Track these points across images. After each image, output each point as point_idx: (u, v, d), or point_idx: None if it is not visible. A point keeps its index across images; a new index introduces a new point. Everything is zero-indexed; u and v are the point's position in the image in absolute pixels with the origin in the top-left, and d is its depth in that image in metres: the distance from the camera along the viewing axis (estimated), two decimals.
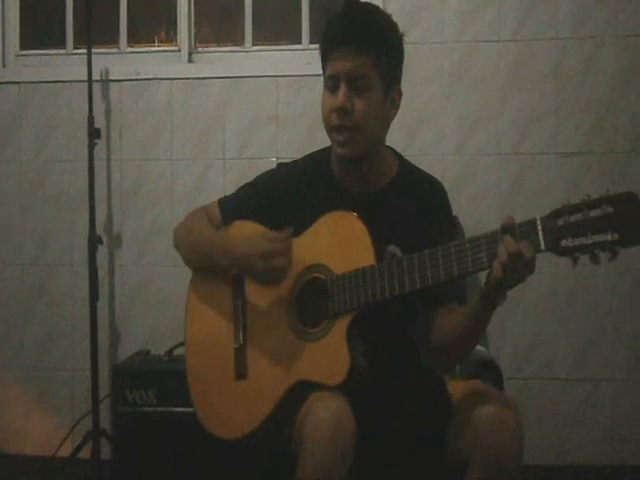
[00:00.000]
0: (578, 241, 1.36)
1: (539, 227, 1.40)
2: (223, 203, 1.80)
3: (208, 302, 1.74)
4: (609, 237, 1.34)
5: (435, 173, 1.81)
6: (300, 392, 1.56)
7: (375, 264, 1.56)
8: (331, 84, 1.64)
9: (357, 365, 1.55)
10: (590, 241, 1.35)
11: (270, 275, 1.62)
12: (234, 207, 1.77)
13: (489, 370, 2.24)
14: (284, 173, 1.78)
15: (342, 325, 1.57)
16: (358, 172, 1.70)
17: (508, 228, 1.43)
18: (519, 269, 1.41)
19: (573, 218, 1.37)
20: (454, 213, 1.81)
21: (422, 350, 1.69)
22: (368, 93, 1.63)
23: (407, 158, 1.78)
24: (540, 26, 2.78)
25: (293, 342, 1.62)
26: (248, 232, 1.68)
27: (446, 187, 1.78)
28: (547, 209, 2.85)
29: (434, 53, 2.78)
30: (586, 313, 2.76)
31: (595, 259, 1.37)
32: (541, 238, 1.40)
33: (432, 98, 2.79)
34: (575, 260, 1.38)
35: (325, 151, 1.77)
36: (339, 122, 1.63)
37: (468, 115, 2.81)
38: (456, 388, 1.69)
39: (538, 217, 1.41)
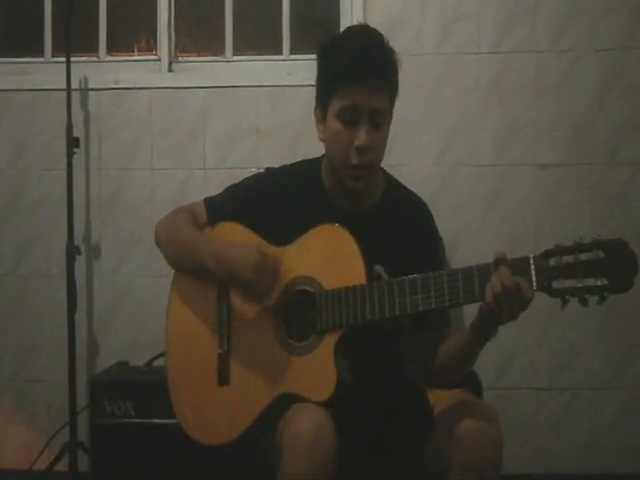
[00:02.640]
0: (569, 283, 1.38)
1: (532, 266, 1.41)
2: (209, 203, 1.78)
3: (190, 304, 1.72)
4: (598, 282, 1.37)
5: (415, 184, 1.82)
6: (283, 404, 1.56)
7: (366, 283, 1.56)
8: (348, 116, 1.60)
9: (342, 380, 1.54)
10: (580, 284, 1.38)
11: (256, 289, 1.60)
12: (220, 208, 1.75)
13: (469, 380, 2.25)
14: (273, 178, 1.77)
15: (330, 342, 1.56)
16: (351, 191, 1.68)
17: (500, 263, 1.43)
18: (512, 303, 1.41)
19: (565, 259, 1.39)
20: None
21: (406, 365, 1.69)
22: (385, 127, 1.64)
23: (387, 169, 1.79)
24: (519, 39, 2.81)
25: (279, 354, 1.61)
26: (235, 236, 1.67)
27: (425, 198, 1.79)
28: (525, 220, 2.90)
29: (414, 65, 2.79)
30: (566, 322, 2.78)
31: (584, 302, 1.39)
32: (533, 278, 1.41)
33: (412, 110, 2.81)
34: (565, 302, 1.40)
35: (316, 162, 1.75)
36: (359, 161, 1.61)
37: (448, 127, 2.83)
38: (438, 397, 1.69)
39: (531, 256, 1.42)
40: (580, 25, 2.79)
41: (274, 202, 1.70)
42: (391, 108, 1.65)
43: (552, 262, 1.39)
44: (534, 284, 1.40)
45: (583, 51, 2.79)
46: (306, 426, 1.45)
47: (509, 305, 1.41)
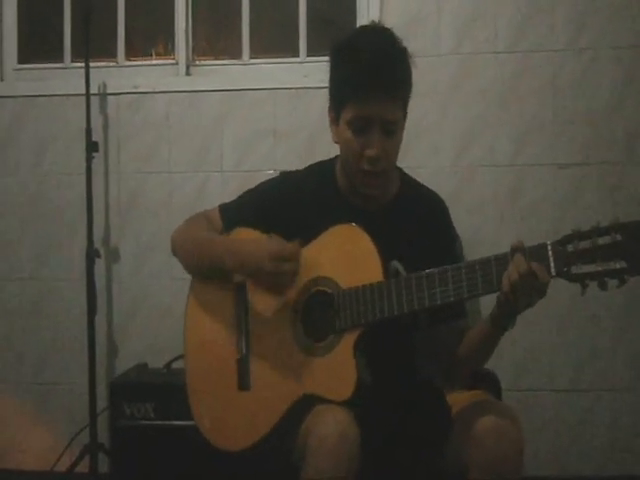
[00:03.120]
0: (587, 268, 1.38)
1: (550, 252, 1.41)
2: (224, 209, 1.79)
3: (208, 310, 1.72)
4: (617, 265, 1.37)
5: (432, 185, 1.82)
6: (305, 405, 1.56)
7: (383, 281, 1.56)
8: (360, 126, 1.60)
9: (362, 380, 1.54)
10: (600, 268, 1.38)
11: (278, 278, 1.59)
12: (236, 214, 1.76)
13: (488, 382, 2.25)
14: (288, 182, 1.77)
15: (349, 341, 1.56)
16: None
17: (517, 251, 1.43)
18: (529, 290, 1.41)
19: (582, 244, 1.39)
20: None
21: (420, 361, 1.69)
22: (398, 133, 1.63)
23: (404, 170, 1.79)
24: (537, 38, 2.79)
25: (298, 355, 1.61)
26: (251, 238, 1.68)
27: (443, 198, 1.79)
28: (544, 220, 2.88)
29: (431, 66, 2.79)
30: (585, 324, 2.76)
31: (604, 286, 1.38)
32: (552, 264, 1.41)
33: (429, 110, 2.80)
34: (584, 287, 1.40)
35: (330, 163, 1.76)
36: (371, 169, 1.61)
37: (465, 127, 2.82)
38: (457, 398, 1.69)
39: (549, 242, 1.42)
40: (597, 23, 2.76)
41: (289, 205, 1.71)
42: (404, 114, 1.65)
43: (570, 248, 1.39)
44: (552, 270, 1.40)
45: (601, 49, 2.76)
46: (332, 428, 1.45)
47: (526, 292, 1.42)
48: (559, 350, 2.78)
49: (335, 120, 1.67)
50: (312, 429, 1.48)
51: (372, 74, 1.57)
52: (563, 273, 1.40)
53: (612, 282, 1.38)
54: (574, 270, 1.39)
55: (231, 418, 1.65)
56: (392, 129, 1.61)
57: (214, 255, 1.67)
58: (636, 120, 2.77)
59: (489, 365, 2.00)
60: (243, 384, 1.65)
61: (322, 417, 1.49)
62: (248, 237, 1.69)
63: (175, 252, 1.80)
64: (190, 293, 1.77)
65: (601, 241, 1.37)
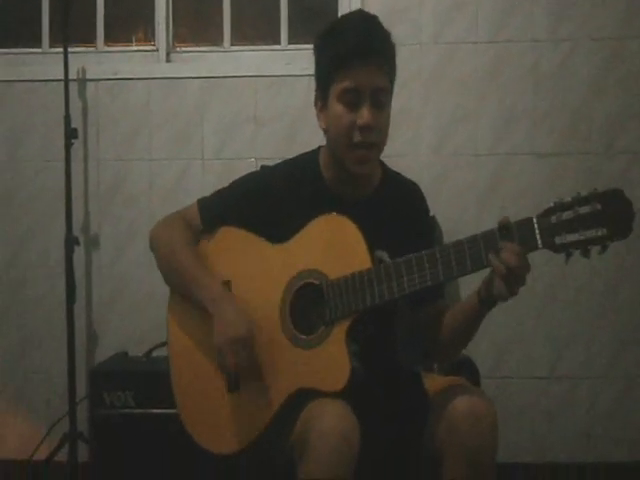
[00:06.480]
0: (571, 237, 1.42)
1: (535, 226, 1.44)
2: (203, 207, 1.76)
3: (192, 311, 1.70)
4: (599, 232, 1.41)
5: (412, 173, 1.84)
6: (298, 400, 1.55)
7: (372, 267, 1.56)
8: (349, 98, 1.60)
9: (355, 369, 1.54)
10: (582, 237, 1.42)
11: (222, 358, 1.60)
12: (214, 211, 1.74)
13: (466, 369, 2.26)
14: (269, 176, 1.75)
15: (341, 330, 1.56)
16: (352, 180, 1.68)
17: (505, 226, 1.47)
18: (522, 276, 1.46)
19: (565, 215, 1.43)
20: (432, 213, 1.84)
21: (399, 346, 1.70)
22: (387, 108, 1.64)
23: (385, 159, 1.79)
24: (516, 28, 2.81)
25: (290, 350, 1.60)
26: (233, 243, 1.68)
27: (423, 187, 1.82)
28: (523, 209, 2.88)
29: (412, 55, 2.79)
30: (563, 311, 2.79)
31: (587, 253, 1.43)
32: (538, 237, 1.44)
33: (410, 99, 2.80)
34: (568, 256, 1.44)
35: (313, 154, 1.75)
36: (363, 139, 1.61)
37: (446, 116, 2.83)
38: (433, 383, 1.70)
39: (534, 216, 1.45)
40: (577, 14, 2.78)
41: (270, 199, 1.70)
42: (391, 89, 1.66)
43: (553, 219, 1.43)
44: (539, 243, 1.44)
45: (580, 40, 2.78)
46: (333, 424, 1.44)
47: (521, 278, 1.46)
48: (537, 337, 2.81)
49: (323, 105, 1.67)
50: (312, 424, 1.47)
51: (359, 44, 1.59)
52: (549, 244, 1.43)
53: (595, 249, 1.43)
54: (558, 240, 1.43)
55: (222, 421, 1.63)
56: (382, 100, 1.62)
57: (196, 295, 1.66)
58: (614, 111, 2.79)
59: (467, 352, 2.02)
60: (232, 386, 1.64)
61: (322, 412, 1.47)
62: (231, 242, 1.69)
63: (153, 251, 1.78)
64: (170, 305, 1.75)
65: (582, 210, 1.42)
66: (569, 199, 1.43)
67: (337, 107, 1.62)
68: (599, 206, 1.41)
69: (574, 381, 2.81)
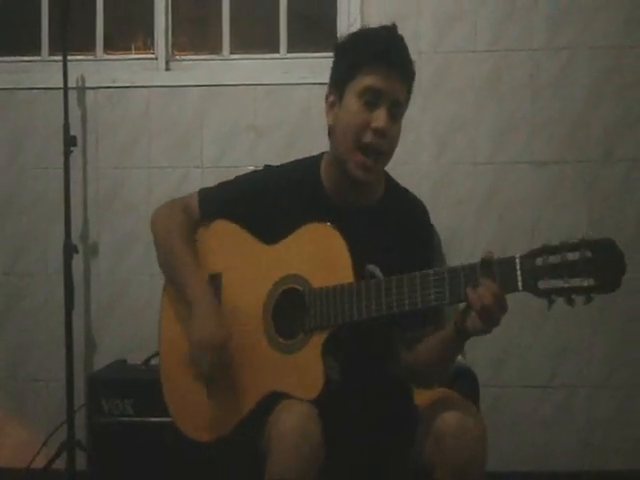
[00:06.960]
0: (555, 283, 1.36)
1: (517, 266, 1.39)
2: (203, 199, 1.77)
3: (182, 304, 1.71)
4: (585, 283, 1.34)
5: (412, 182, 1.83)
6: (272, 402, 1.55)
7: (354, 282, 1.54)
8: (370, 97, 1.58)
9: (330, 379, 1.54)
10: (567, 285, 1.35)
11: (194, 356, 1.62)
12: (214, 204, 1.75)
13: (465, 378, 2.26)
14: (270, 176, 1.75)
15: (318, 341, 1.55)
16: (353, 189, 1.66)
17: (487, 263, 1.42)
18: (496, 316, 1.42)
19: (551, 259, 1.36)
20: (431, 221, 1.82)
21: (390, 358, 1.69)
22: (400, 120, 1.63)
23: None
24: (515, 37, 2.82)
25: (268, 352, 1.61)
26: (226, 237, 1.69)
27: (422, 195, 1.79)
28: (522, 218, 2.90)
29: None
30: (561, 320, 2.79)
31: (571, 302, 1.36)
32: (519, 278, 1.39)
33: (409, 108, 2.78)
34: (551, 302, 1.38)
35: (315, 159, 1.74)
36: (373, 141, 1.58)
37: (444, 125, 2.84)
38: (423, 396, 1.69)
39: (517, 256, 1.39)
40: (576, 23, 2.80)
41: (269, 199, 1.70)
42: (405, 109, 1.65)
43: (539, 262, 1.37)
44: (520, 285, 1.39)
45: (579, 49, 2.80)
46: (291, 424, 1.44)
47: (495, 318, 1.42)
48: (535, 346, 2.81)
49: (337, 100, 1.63)
50: (273, 426, 1.48)
51: (392, 50, 1.59)
52: (530, 287, 1.38)
53: (579, 299, 1.36)
54: (541, 285, 1.37)
55: (201, 410, 1.66)
56: (398, 112, 1.61)
57: (184, 288, 1.68)
58: (613, 119, 2.80)
59: (466, 361, 2.02)
60: (209, 380, 1.65)
61: (283, 413, 1.48)
62: (224, 236, 1.71)
63: (153, 234, 1.80)
64: (164, 287, 1.78)
65: (570, 257, 1.35)
66: (557, 243, 1.37)
67: (354, 103, 1.59)
68: (589, 254, 1.33)
69: (572, 390, 2.81)
